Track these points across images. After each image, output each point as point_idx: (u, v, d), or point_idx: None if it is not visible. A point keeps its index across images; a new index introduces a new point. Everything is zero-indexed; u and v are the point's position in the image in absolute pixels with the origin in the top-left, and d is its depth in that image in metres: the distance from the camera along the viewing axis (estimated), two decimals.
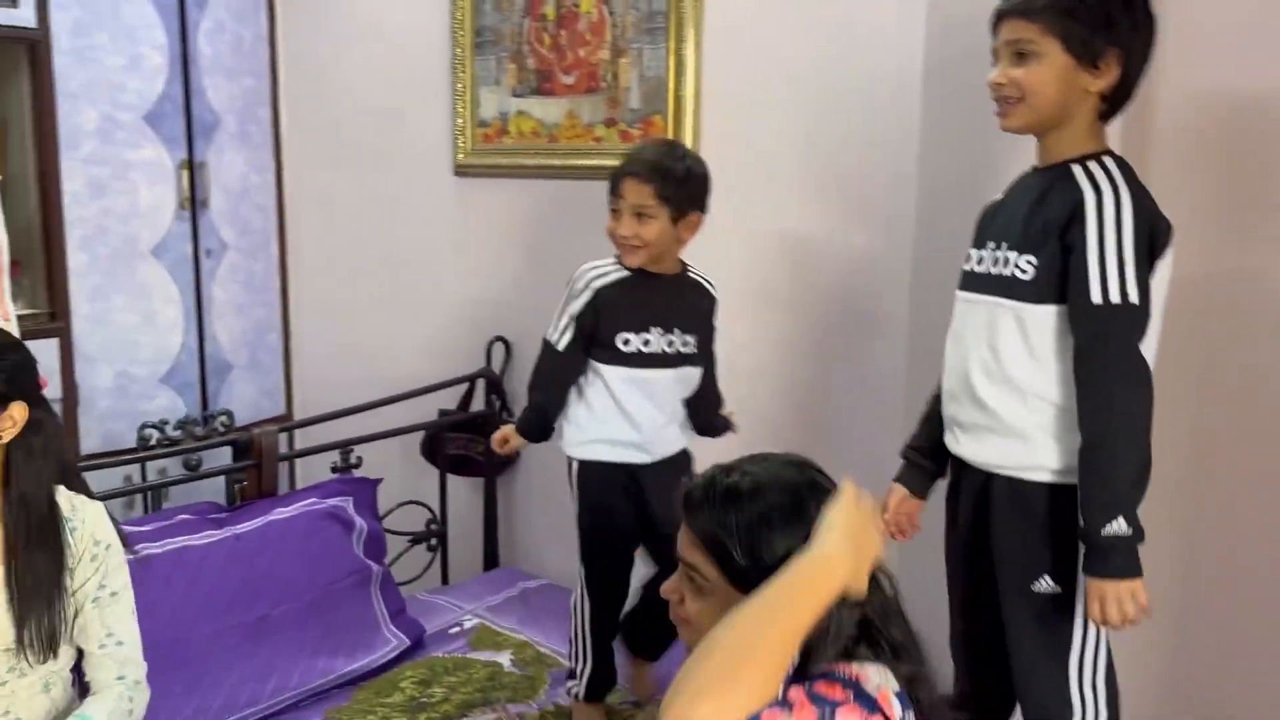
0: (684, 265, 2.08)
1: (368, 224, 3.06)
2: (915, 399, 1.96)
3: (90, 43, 2.67)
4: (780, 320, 2.36)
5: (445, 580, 2.79)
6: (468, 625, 2.46)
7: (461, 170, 2.82)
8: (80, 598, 1.59)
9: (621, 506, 2.08)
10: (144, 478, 2.38)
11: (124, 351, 2.82)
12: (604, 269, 2.06)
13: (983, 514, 1.66)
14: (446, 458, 2.76)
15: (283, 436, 2.43)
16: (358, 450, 2.55)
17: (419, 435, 2.81)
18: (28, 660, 1.54)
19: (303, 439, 2.74)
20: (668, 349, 2.03)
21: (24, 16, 2.53)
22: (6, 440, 1.54)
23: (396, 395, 2.69)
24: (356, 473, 2.52)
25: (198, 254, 2.97)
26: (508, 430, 2.16)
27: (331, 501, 2.35)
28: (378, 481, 2.49)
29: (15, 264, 2.68)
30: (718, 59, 2.38)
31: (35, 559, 1.54)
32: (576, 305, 2.05)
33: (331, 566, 2.27)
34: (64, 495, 1.62)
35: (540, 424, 2.13)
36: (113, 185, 2.77)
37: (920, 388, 1.91)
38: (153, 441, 2.09)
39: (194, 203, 2.94)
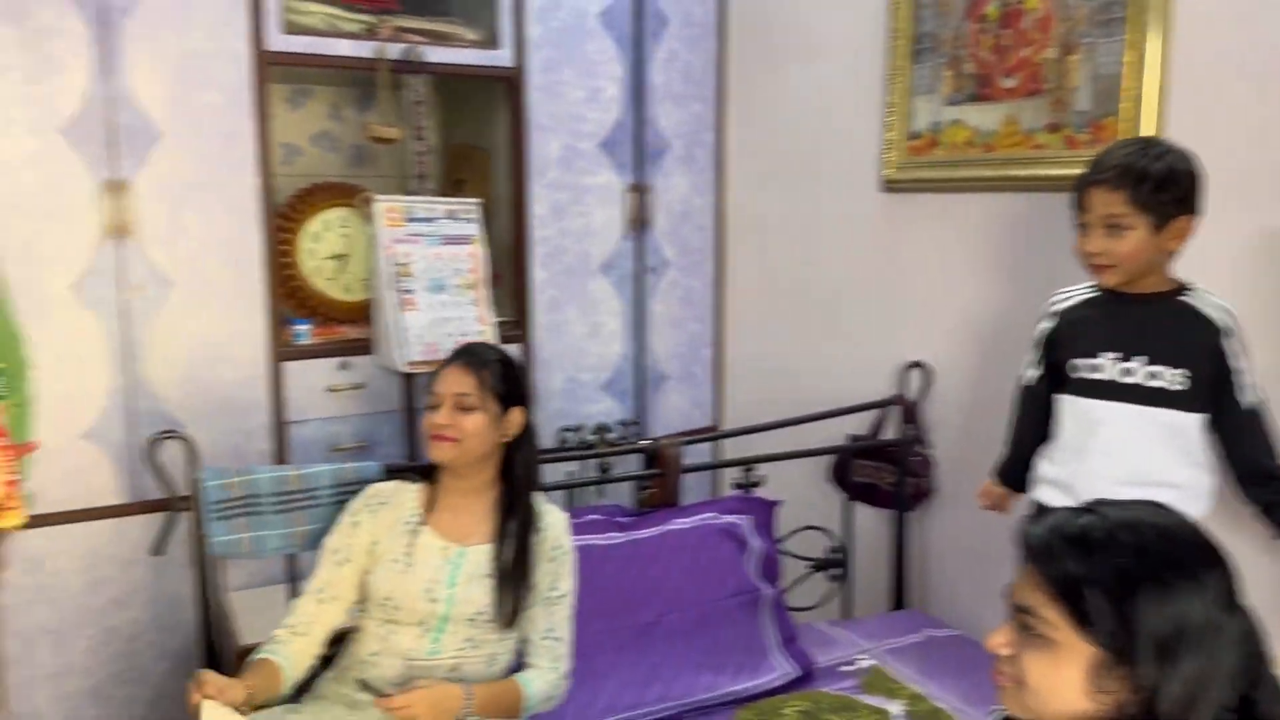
0: (1179, 285, 1.76)
1: (795, 243, 3.05)
2: None
3: (558, 78, 2.96)
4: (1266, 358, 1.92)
5: (846, 613, 2.67)
6: (862, 665, 2.32)
7: (890, 185, 2.69)
8: (536, 594, 1.79)
9: None
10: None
11: (573, 359, 3.09)
12: (1069, 292, 1.87)
13: None
14: (854, 485, 2.65)
15: (702, 448, 2.50)
16: (764, 468, 2.54)
17: (827, 459, 2.73)
18: (489, 628, 1.75)
19: (733, 451, 2.78)
20: (1123, 378, 1.74)
21: (504, 57, 2.87)
22: (509, 439, 1.78)
23: (804, 416, 2.64)
24: (760, 491, 2.51)
25: (641, 271, 3.16)
26: (987, 481, 2.04)
27: (728, 518, 2.35)
28: (776, 503, 2.45)
29: (497, 276, 3.06)
30: (1188, 51, 2.01)
31: (516, 544, 1.78)
32: (1039, 333, 1.89)
33: (721, 583, 2.27)
34: (538, 499, 1.84)
35: (1011, 467, 2.00)
36: (570, 208, 3.04)
37: None
38: (569, 445, 2.26)
39: (640, 223, 3.14)
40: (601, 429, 2.25)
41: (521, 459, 1.82)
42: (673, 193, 3.20)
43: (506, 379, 1.79)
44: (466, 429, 1.73)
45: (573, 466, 2.27)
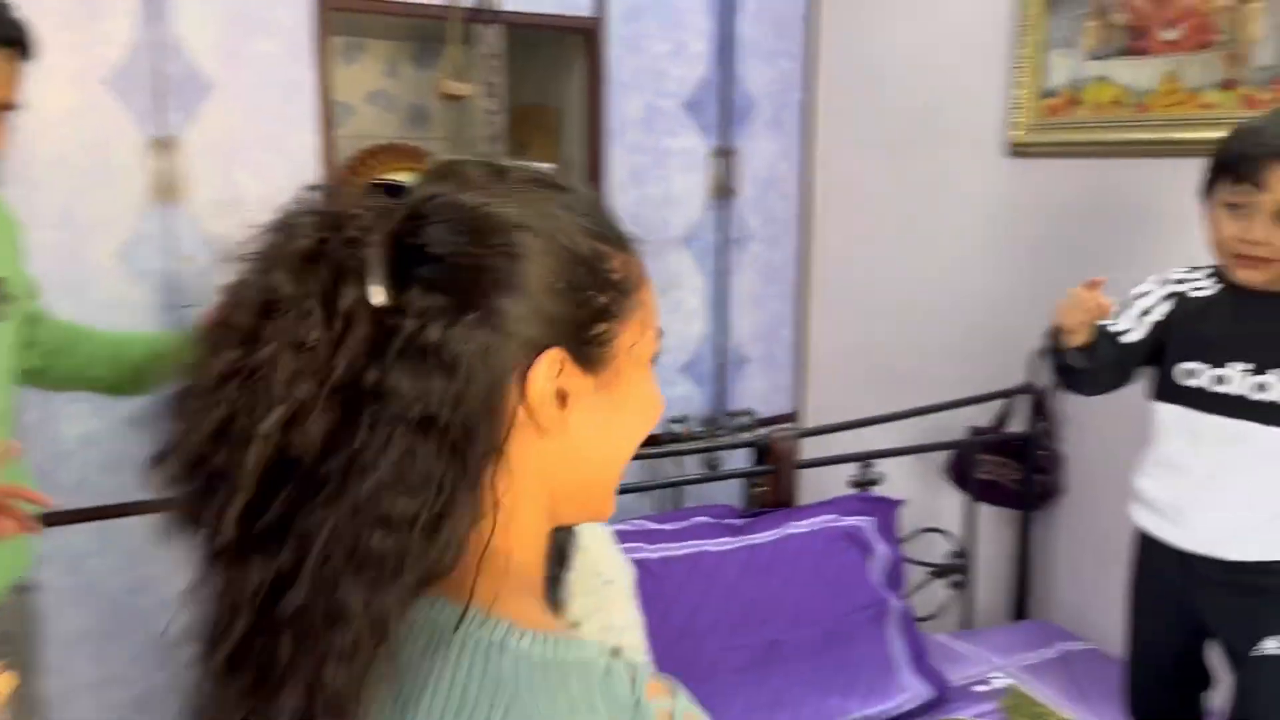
0: None
1: (898, 213, 2.78)
2: None
3: (641, 30, 2.69)
4: None
5: (966, 624, 2.43)
6: (997, 684, 2.09)
7: (1018, 150, 2.42)
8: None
9: (1164, 605, 1.64)
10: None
11: None
12: (1192, 277, 1.63)
13: None
14: (975, 482, 2.40)
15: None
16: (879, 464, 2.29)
17: (941, 454, 2.48)
18: None
19: (812, 446, 2.53)
20: (1256, 394, 1.49)
21: (583, 5, 2.59)
22: None
23: (925, 407, 2.38)
24: (874, 490, 2.27)
25: (724, 243, 2.91)
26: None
27: (850, 521, 2.11)
28: (899, 503, 2.21)
29: None
30: None
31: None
32: (1154, 307, 1.66)
33: (848, 594, 2.04)
34: None
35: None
36: (651, 173, 2.78)
37: None
38: (677, 435, 2.02)
39: (725, 191, 2.88)
40: (712, 420, 2.01)
41: None
42: (759, 158, 2.94)
43: None
44: None
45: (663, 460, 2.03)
